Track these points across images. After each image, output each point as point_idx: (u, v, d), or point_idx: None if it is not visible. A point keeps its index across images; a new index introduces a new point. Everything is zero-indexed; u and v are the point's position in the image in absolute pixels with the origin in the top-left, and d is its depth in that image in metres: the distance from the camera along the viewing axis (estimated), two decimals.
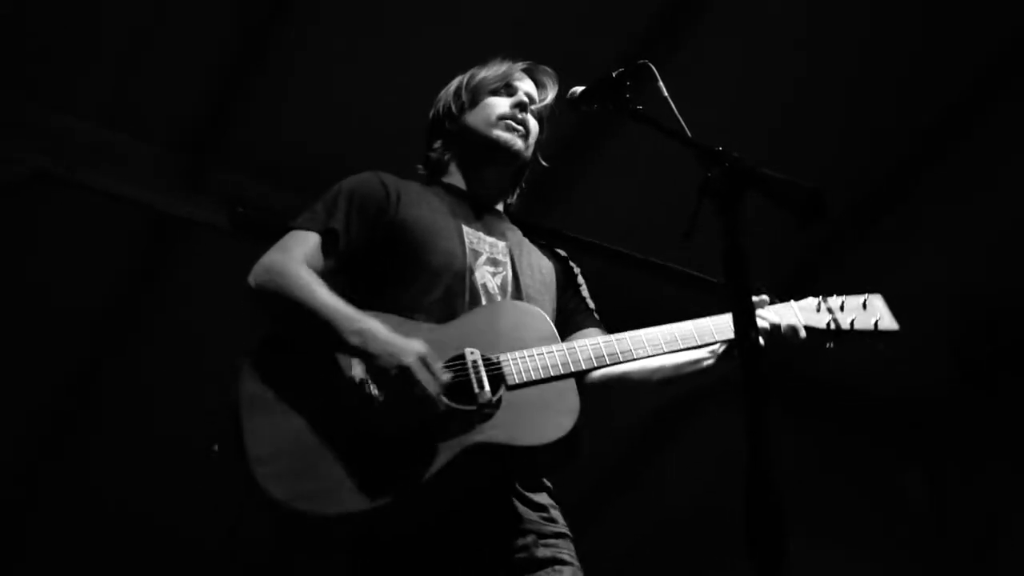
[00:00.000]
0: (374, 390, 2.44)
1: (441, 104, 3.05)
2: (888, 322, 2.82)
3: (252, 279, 2.62)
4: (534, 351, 2.59)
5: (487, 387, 2.50)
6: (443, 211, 2.85)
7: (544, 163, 3.10)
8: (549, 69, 3.08)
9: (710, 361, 2.77)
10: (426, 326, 2.61)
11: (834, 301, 2.83)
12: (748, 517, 1.88)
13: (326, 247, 2.70)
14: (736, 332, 2.06)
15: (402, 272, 2.72)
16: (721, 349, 2.76)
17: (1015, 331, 6.50)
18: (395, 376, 2.43)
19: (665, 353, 2.71)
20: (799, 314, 2.78)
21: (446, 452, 2.44)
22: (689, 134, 2.33)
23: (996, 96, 5.68)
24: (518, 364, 2.56)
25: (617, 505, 7.25)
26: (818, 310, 2.80)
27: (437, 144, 3.02)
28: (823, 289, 2.91)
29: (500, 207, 3.03)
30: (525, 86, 3.03)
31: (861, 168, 5.95)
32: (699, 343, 2.71)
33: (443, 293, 2.70)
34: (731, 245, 2.05)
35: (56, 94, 5.33)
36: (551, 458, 2.52)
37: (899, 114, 5.75)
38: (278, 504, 2.37)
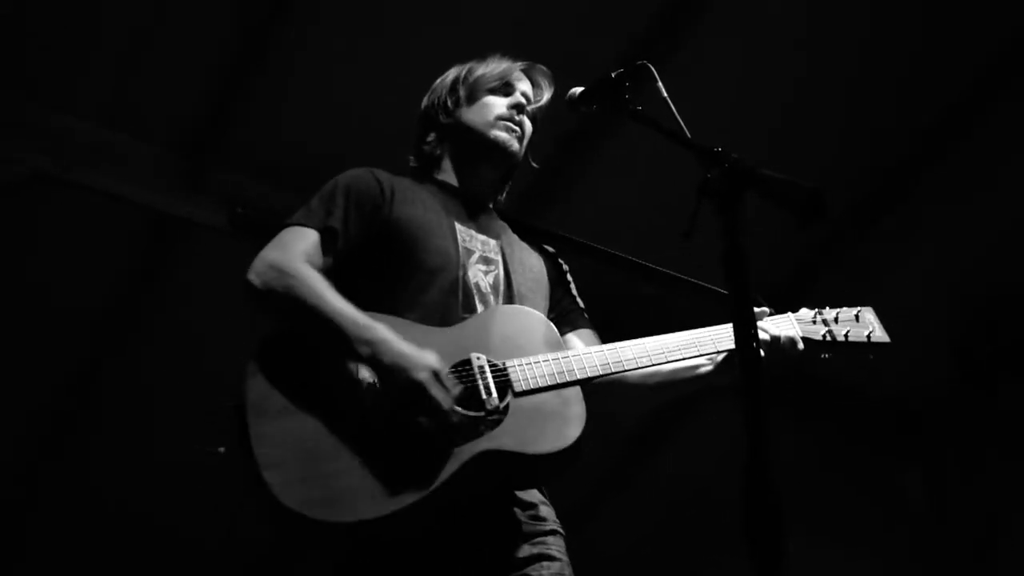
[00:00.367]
0: (383, 398, 2.44)
1: (437, 96, 3.03)
2: (880, 334, 2.91)
3: (256, 277, 2.58)
4: (540, 357, 2.59)
5: (495, 393, 2.49)
6: (436, 209, 2.84)
7: (535, 164, 3.10)
8: (546, 69, 3.08)
9: (707, 368, 2.80)
10: (429, 329, 2.60)
11: (829, 313, 2.90)
12: (747, 516, 1.89)
13: (325, 245, 2.68)
14: (736, 333, 2.06)
15: (396, 270, 2.71)
16: (720, 358, 2.79)
17: (1015, 331, 6.50)
18: (407, 390, 2.42)
19: (667, 362, 2.73)
20: (796, 325, 2.83)
21: (455, 459, 2.43)
22: (688, 135, 2.33)
23: (996, 96, 5.68)
24: (525, 370, 2.55)
25: (616, 504, 7.25)
26: (814, 322, 2.87)
27: (431, 137, 3.01)
28: (823, 289, 2.93)
29: (491, 205, 3.02)
30: (523, 86, 3.03)
31: (861, 168, 5.95)
32: (699, 352, 2.74)
33: (437, 292, 2.69)
34: (731, 246, 2.05)
35: (56, 94, 5.33)
36: (556, 465, 2.52)
37: (899, 114, 5.75)
38: (286, 511, 2.35)
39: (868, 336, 2.88)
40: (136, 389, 6.43)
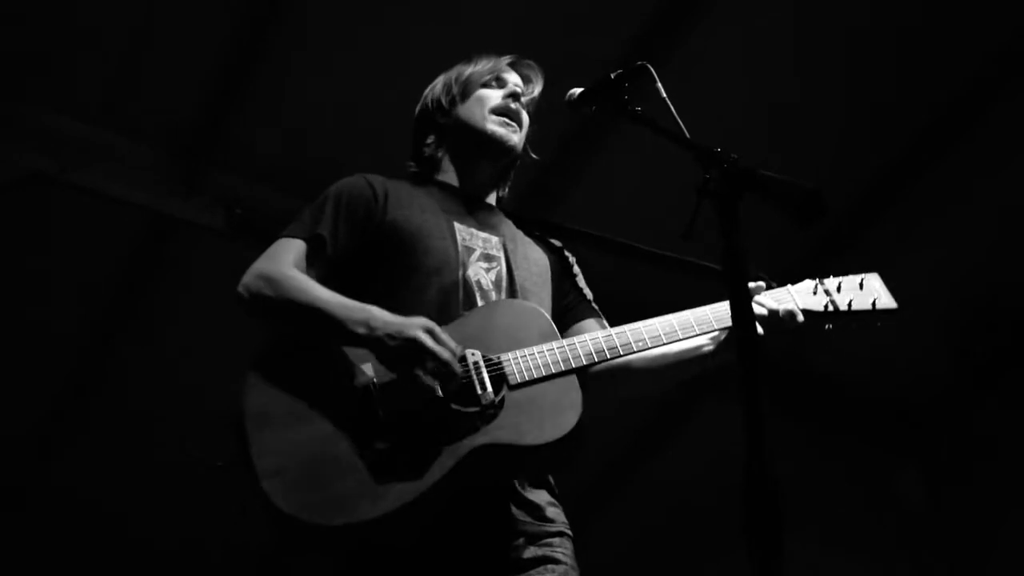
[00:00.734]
0: (384, 375, 2.47)
1: (430, 99, 3.05)
2: (886, 300, 2.83)
3: (244, 289, 2.63)
4: (534, 349, 2.59)
5: (489, 388, 2.50)
6: (434, 209, 2.85)
7: (534, 156, 3.10)
8: (533, 63, 3.10)
9: (710, 348, 2.78)
10: None
11: (831, 283, 2.83)
12: (746, 513, 1.88)
13: (313, 253, 2.71)
14: (736, 333, 2.06)
15: (395, 274, 2.72)
16: (722, 337, 2.76)
17: (1015, 331, 6.50)
18: (406, 349, 2.45)
19: (665, 344, 2.71)
20: (796, 298, 2.78)
21: (452, 456, 2.44)
22: (688, 135, 2.32)
23: (996, 96, 5.67)
24: (519, 363, 2.56)
25: (622, 499, 7.25)
26: (815, 293, 2.80)
27: (430, 140, 3.01)
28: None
29: (492, 201, 3.02)
30: (513, 78, 3.04)
31: (861, 168, 5.94)
32: (698, 332, 2.71)
33: (437, 292, 2.69)
34: (730, 246, 2.05)
35: (54, 96, 5.33)
36: (555, 455, 2.52)
37: (899, 114, 5.75)
38: (287, 517, 2.38)
39: (873, 303, 2.80)
40: (135, 389, 6.43)
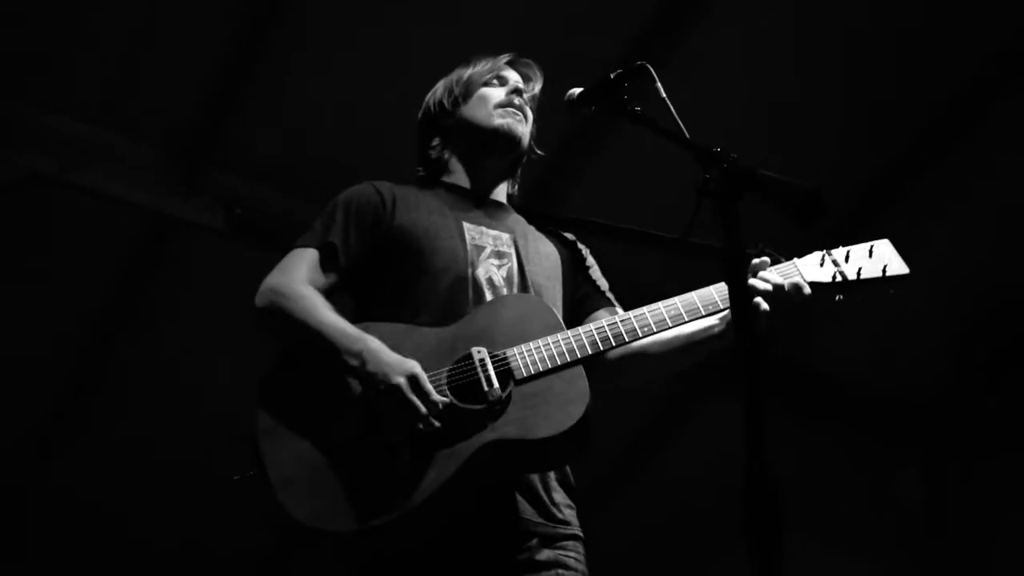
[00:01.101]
0: (369, 405, 2.51)
1: (432, 103, 3.06)
2: (897, 266, 2.77)
3: (259, 301, 2.69)
4: (540, 342, 2.59)
5: (496, 384, 2.51)
6: (442, 210, 2.86)
7: (540, 152, 3.10)
8: (531, 62, 3.11)
9: (721, 327, 2.73)
10: (430, 330, 2.63)
11: (839, 253, 2.78)
12: (746, 509, 1.89)
13: (326, 261, 2.74)
14: (737, 336, 2.06)
15: (405, 275, 2.74)
16: (729, 316, 2.70)
17: (1015, 330, 6.50)
18: (387, 393, 2.48)
19: (671, 328, 2.68)
20: (803, 271, 2.73)
21: (460, 455, 2.46)
22: (687, 135, 2.32)
23: (996, 96, 5.68)
24: (525, 357, 2.57)
25: (625, 496, 7.24)
26: (822, 264, 2.75)
27: (435, 142, 3.02)
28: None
29: (503, 198, 3.03)
30: (514, 76, 3.06)
31: (861, 168, 5.94)
32: (704, 313, 2.68)
33: (446, 291, 2.71)
34: (730, 247, 2.05)
35: (54, 96, 5.33)
36: (565, 447, 2.53)
37: (899, 114, 5.75)
38: (299, 526, 2.44)
39: (883, 270, 2.74)
40: (135, 389, 6.43)
